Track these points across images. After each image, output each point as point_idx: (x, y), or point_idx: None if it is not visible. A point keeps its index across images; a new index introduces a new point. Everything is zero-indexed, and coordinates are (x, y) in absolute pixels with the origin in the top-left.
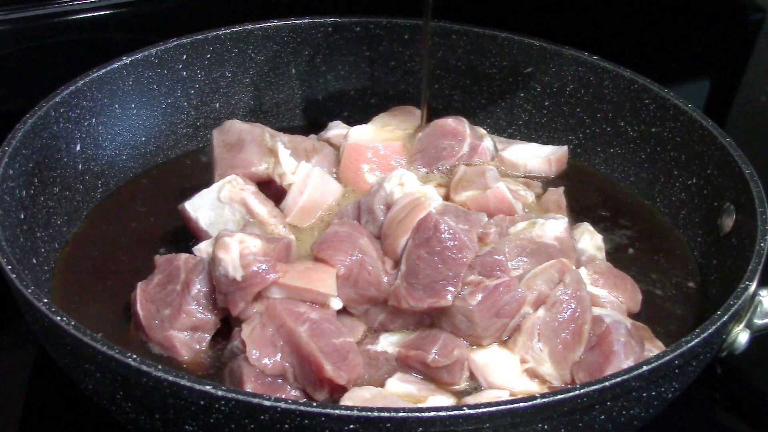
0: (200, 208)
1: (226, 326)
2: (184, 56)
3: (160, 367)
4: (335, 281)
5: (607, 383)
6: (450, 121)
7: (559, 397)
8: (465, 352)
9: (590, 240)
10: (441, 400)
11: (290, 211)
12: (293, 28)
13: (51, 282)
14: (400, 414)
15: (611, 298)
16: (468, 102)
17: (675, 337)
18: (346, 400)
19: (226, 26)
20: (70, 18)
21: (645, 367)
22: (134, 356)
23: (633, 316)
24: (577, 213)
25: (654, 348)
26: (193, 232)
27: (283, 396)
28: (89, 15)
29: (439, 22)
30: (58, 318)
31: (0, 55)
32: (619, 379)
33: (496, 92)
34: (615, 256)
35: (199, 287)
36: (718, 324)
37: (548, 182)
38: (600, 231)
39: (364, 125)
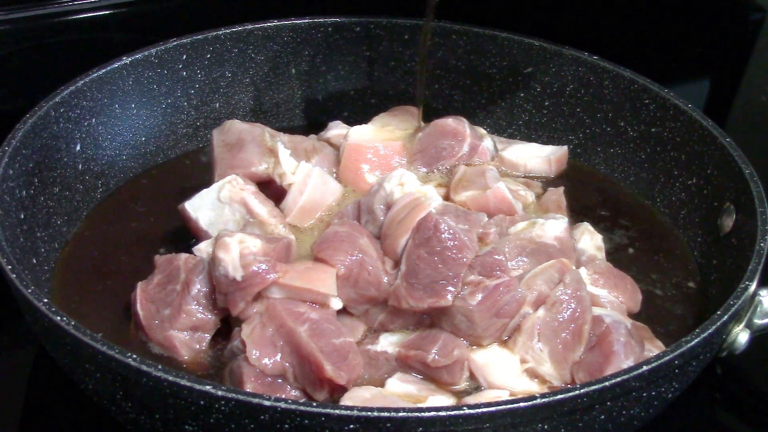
0: (200, 208)
1: (226, 326)
2: (184, 56)
3: (160, 367)
4: (335, 281)
5: (607, 383)
6: (450, 121)
7: (559, 397)
8: (465, 352)
9: (590, 240)
10: (441, 400)
11: (290, 211)
12: (293, 28)
13: (51, 282)
14: (400, 414)
15: (611, 298)
16: (468, 102)
17: (675, 337)
18: (346, 400)
19: (226, 26)
20: (70, 18)
21: (645, 367)
22: (134, 356)
23: (633, 316)
24: (577, 213)
25: (654, 348)
26: (193, 232)
27: (283, 396)
28: (89, 15)
29: (439, 22)
30: (58, 318)
31: (0, 55)
32: (619, 379)
33: (496, 92)
34: (615, 256)
35: (199, 287)
36: (718, 324)
37: (548, 182)
38: (600, 231)
39: (364, 125)
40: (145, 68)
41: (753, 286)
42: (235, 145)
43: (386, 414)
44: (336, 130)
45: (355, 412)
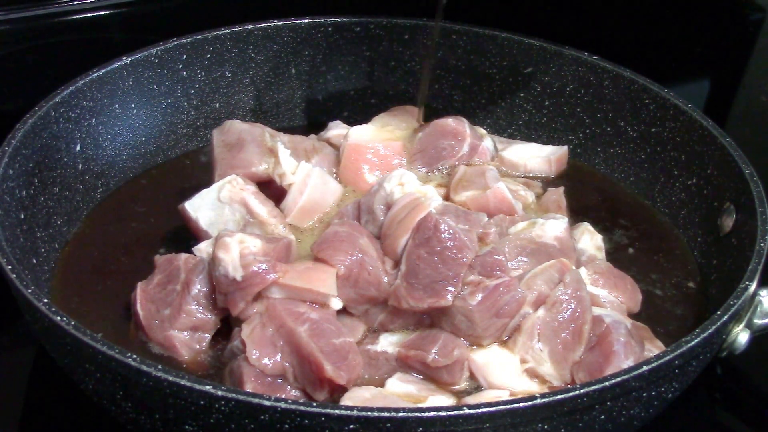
0: (200, 208)
1: (226, 326)
2: (184, 56)
3: (160, 367)
4: (335, 281)
5: (607, 383)
6: (450, 121)
7: (559, 397)
8: (465, 352)
9: (590, 240)
10: (441, 400)
11: (290, 211)
12: (293, 28)
13: (51, 282)
14: (400, 414)
15: (611, 298)
16: (468, 102)
17: (675, 337)
18: (346, 400)
19: (226, 26)
20: (70, 18)
21: (645, 367)
22: (134, 356)
23: (633, 316)
24: (577, 213)
25: (654, 348)
26: (193, 232)
27: (283, 396)
28: (89, 15)
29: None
30: (58, 318)
31: (0, 55)
32: (619, 379)
33: (496, 92)
34: (615, 256)
35: (199, 287)
36: (718, 324)
37: (548, 182)
38: (600, 231)
39: (364, 125)
40: (145, 68)
41: (753, 286)
42: (235, 145)
43: (386, 414)
44: (336, 130)
45: (355, 412)
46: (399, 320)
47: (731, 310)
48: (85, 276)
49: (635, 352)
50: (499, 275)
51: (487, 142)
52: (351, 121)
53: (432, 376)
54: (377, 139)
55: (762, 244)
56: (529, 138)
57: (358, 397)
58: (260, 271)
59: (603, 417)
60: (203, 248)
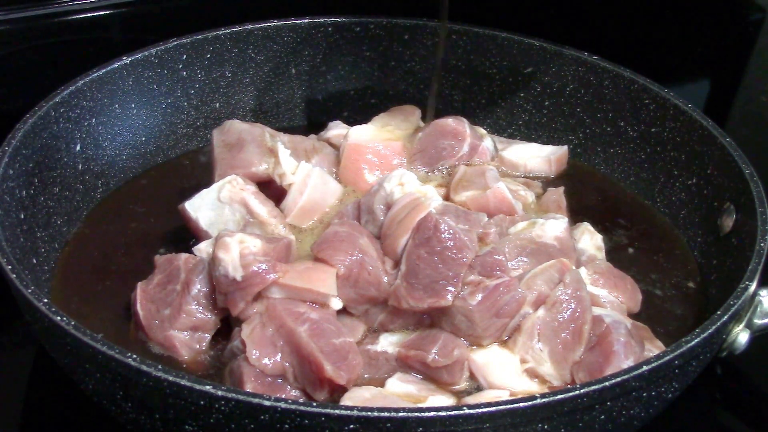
0: (200, 208)
1: (226, 326)
2: (184, 56)
3: (160, 367)
4: (335, 281)
5: (607, 383)
6: (450, 121)
7: (559, 397)
8: (465, 352)
9: (590, 240)
10: (441, 400)
11: (290, 211)
12: (293, 28)
13: (51, 282)
14: (400, 414)
15: (611, 298)
16: (468, 102)
17: (675, 337)
18: (346, 400)
19: (226, 26)
20: (70, 18)
21: (645, 367)
22: (134, 356)
23: (633, 316)
24: (577, 213)
25: (654, 348)
26: (193, 232)
27: (283, 396)
28: (89, 15)
29: (439, 22)
30: (58, 318)
31: (0, 55)
32: (619, 379)
33: (496, 92)
34: (615, 256)
35: (199, 287)
36: (718, 324)
37: (548, 182)
38: (600, 231)
39: (364, 125)
40: (145, 68)
41: (753, 286)
42: (235, 145)
43: (386, 414)
44: (336, 130)
45: (355, 412)
46: (399, 320)
47: (731, 310)
48: (85, 276)
49: (635, 352)
50: (499, 275)
51: (487, 142)
52: (351, 121)
53: (432, 376)
54: (377, 139)
55: (762, 244)
56: (529, 138)
57: (358, 397)
58: (260, 271)
59: (603, 417)
60: (203, 248)
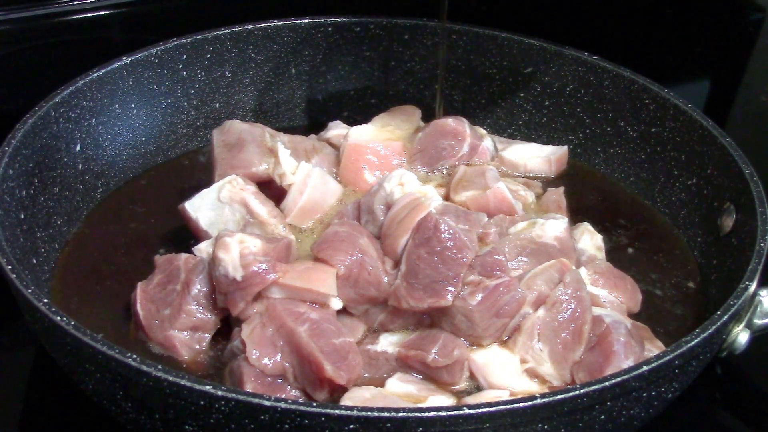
0: (200, 208)
1: (226, 326)
2: (184, 56)
3: (160, 367)
4: (335, 281)
5: (607, 383)
6: (450, 121)
7: (559, 397)
8: (465, 352)
9: (590, 240)
10: (441, 400)
11: (290, 211)
12: (293, 28)
13: (51, 282)
14: (400, 414)
15: (611, 298)
16: (468, 102)
17: (675, 337)
18: (346, 400)
19: (226, 26)
20: (70, 18)
21: (645, 367)
22: (134, 356)
23: (633, 316)
24: (577, 213)
25: (654, 348)
26: (193, 232)
27: (283, 396)
28: (89, 15)
29: (439, 22)
30: (58, 318)
31: (0, 55)
32: (619, 379)
33: (496, 92)
34: (615, 256)
35: (199, 287)
36: (718, 324)
37: (548, 182)
38: (600, 231)
39: (364, 125)
40: (145, 68)
41: (753, 286)
42: (235, 145)
43: (386, 414)
44: (336, 130)
45: (355, 412)
46: (399, 320)
47: (731, 310)
48: (85, 276)
49: (635, 352)
50: (499, 275)
51: (487, 142)
52: (351, 121)
53: (432, 376)
54: (377, 139)
55: (762, 244)
56: (529, 138)
57: (358, 397)
58: (260, 271)
59: (603, 417)
60: (203, 248)
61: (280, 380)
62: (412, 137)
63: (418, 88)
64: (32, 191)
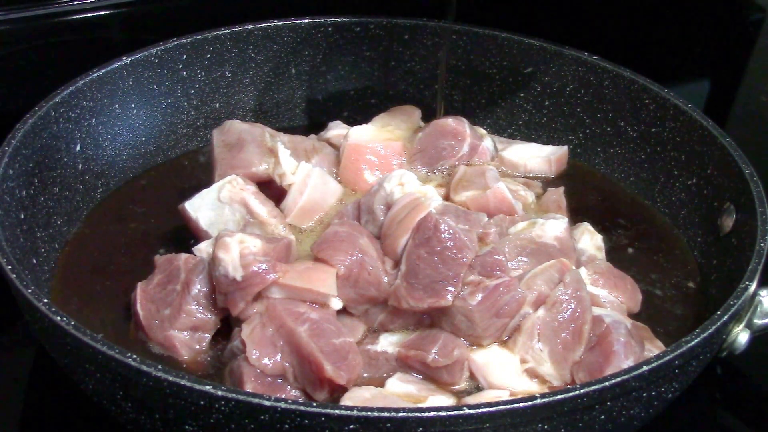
0: (200, 208)
1: (226, 326)
2: (184, 56)
3: (160, 367)
4: (335, 281)
5: (607, 383)
6: (450, 121)
7: (559, 397)
8: (465, 352)
9: (590, 240)
10: (441, 400)
11: (290, 211)
12: (293, 28)
13: (51, 282)
14: (400, 414)
15: (611, 298)
16: (468, 102)
17: (675, 337)
18: (346, 400)
19: (226, 26)
20: (70, 18)
21: (645, 367)
22: (134, 356)
23: (633, 316)
24: (577, 213)
25: (654, 348)
26: (193, 232)
27: (283, 396)
28: (89, 15)
29: (439, 22)
30: (58, 318)
31: (0, 55)
32: (619, 379)
33: (496, 92)
34: (615, 256)
35: (199, 287)
36: (718, 324)
37: (548, 182)
38: (600, 231)
39: (364, 125)
40: (145, 68)
41: (753, 286)
42: (235, 145)
43: (386, 414)
44: (336, 130)
45: (355, 412)
46: (399, 320)
47: (731, 310)
48: (85, 276)
49: (635, 352)
50: (499, 275)
51: (487, 142)
52: (351, 121)
53: (432, 376)
54: (377, 139)
55: (762, 244)
56: (529, 138)
57: (358, 397)
58: (260, 271)
59: (603, 417)
60: (203, 248)
61: (280, 380)
62: (412, 137)
63: (418, 88)
64: (32, 191)
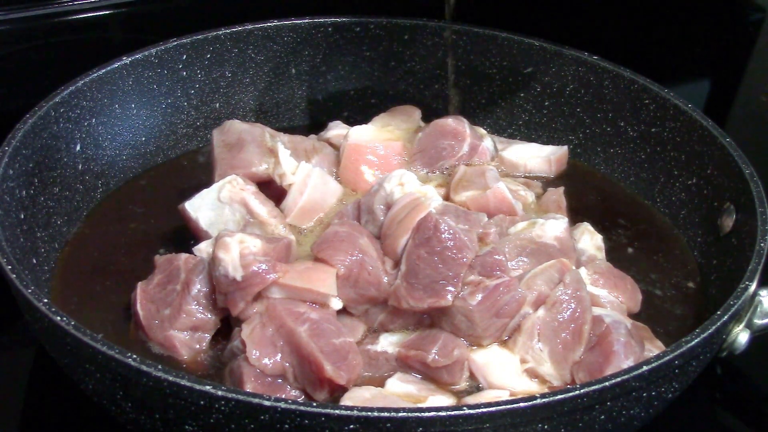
0: (200, 208)
1: (226, 326)
2: (184, 56)
3: (160, 367)
4: (335, 281)
5: (607, 383)
6: (450, 121)
7: (559, 397)
8: (465, 352)
9: (590, 240)
10: (441, 400)
11: (290, 211)
12: (293, 28)
13: (51, 282)
14: (400, 414)
15: (611, 298)
16: (468, 102)
17: (675, 337)
18: (346, 400)
19: (226, 26)
20: (70, 18)
21: (645, 367)
22: (134, 356)
23: (633, 316)
24: (577, 213)
25: (654, 348)
26: (193, 232)
27: (283, 396)
28: (89, 15)
29: (439, 22)
30: (58, 318)
31: (0, 55)
32: (619, 379)
33: (496, 92)
34: (615, 256)
35: (199, 287)
36: (718, 324)
37: (548, 182)
38: (600, 231)
39: (364, 125)
40: (145, 68)
41: (753, 286)
42: (235, 145)
43: (386, 414)
44: (336, 130)
45: (355, 412)
46: (399, 320)
47: (731, 310)
48: (85, 276)
49: (635, 352)
50: (499, 275)
51: (487, 142)
52: (351, 121)
53: (432, 376)
54: (377, 139)
55: (762, 244)
56: (529, 138)
57: (358, 397)
58: (260, 271)
59: (603, 417)
60: (203, 248)
61: (280, 380)
62: (412, 137)
63: (418, 88)
64: (32, 191)
